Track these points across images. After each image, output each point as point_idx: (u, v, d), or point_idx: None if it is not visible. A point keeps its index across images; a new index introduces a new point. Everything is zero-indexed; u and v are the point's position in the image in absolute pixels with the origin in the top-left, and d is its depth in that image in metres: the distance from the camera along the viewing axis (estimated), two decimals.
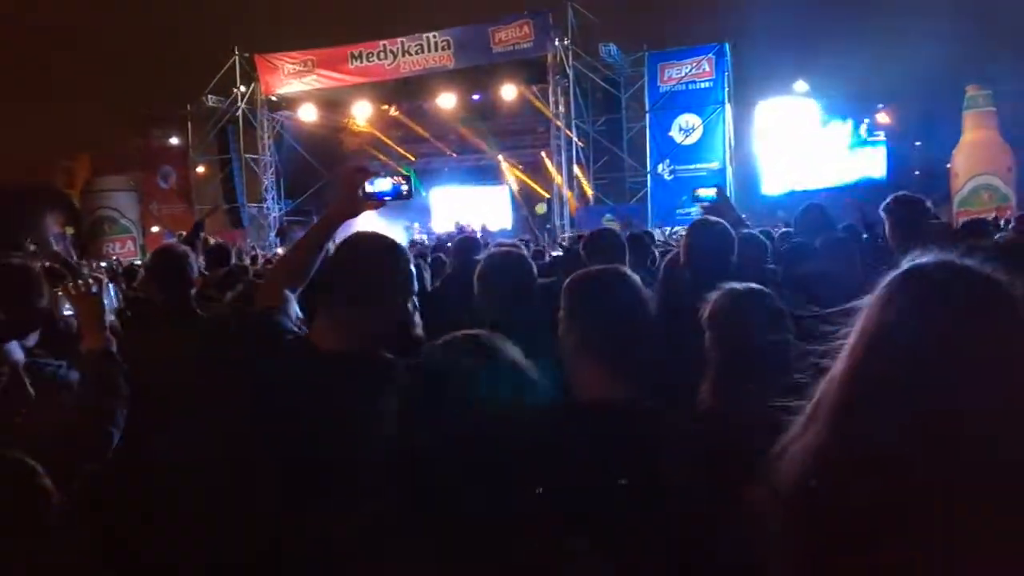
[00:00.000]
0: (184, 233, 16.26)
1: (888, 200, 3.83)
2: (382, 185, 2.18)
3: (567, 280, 1.92)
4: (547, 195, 20.99)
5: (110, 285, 2.21)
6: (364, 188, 2.15)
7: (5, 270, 2.44)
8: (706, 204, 4.10)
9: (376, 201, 2.18)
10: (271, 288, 2.15)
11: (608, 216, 19.28)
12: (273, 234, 21.51)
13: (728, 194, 17.84)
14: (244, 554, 1.78)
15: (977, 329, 0.93)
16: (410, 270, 2.00)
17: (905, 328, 0.95)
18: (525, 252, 3.73)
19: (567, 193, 19.28)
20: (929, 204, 4.04)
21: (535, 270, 3.09)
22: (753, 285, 1.97)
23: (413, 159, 23.44)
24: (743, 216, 4.51)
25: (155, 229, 23.61)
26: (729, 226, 3.33)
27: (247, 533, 1.78)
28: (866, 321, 1.00)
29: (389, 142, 23.18)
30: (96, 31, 25.62)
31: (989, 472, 0.88)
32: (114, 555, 2.01)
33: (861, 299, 1.06)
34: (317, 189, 23.58)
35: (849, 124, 19.83)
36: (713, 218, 3.44)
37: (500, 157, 22.80)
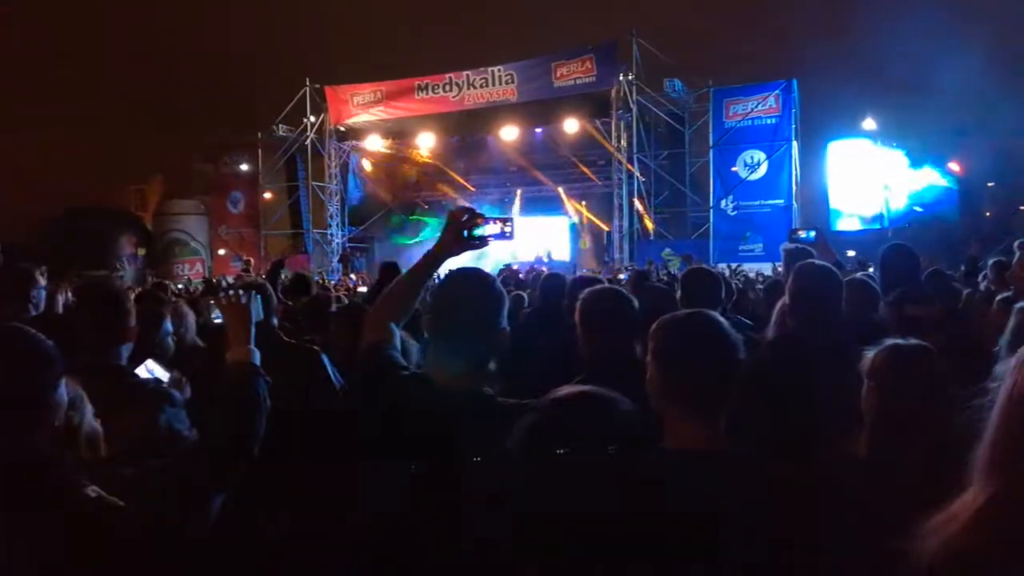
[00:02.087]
0: (249, 259, 16.70)
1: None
2: (489, 228, 2.24)
3: (655, 324, 1.91)
4: (607, 228, 21.00)
5: (257, 297, 2.26)
6: (470, 229, 2.20)
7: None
8: (802, 244, 4.04)
9: (480, 241, 2.24)
10: (377, 322, 2.20)
11: (668, 251, 19.17)
12: (336, 259, 21.97)
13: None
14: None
15: None
16: (506, 306, 2.04)
17: None
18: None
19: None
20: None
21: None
22: (919, 343, 1.95)
23: (473, 189, 23.72)
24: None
25: (222, 252, 24.35)
26: (835, 269, 3.27)
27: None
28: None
29: (452, 172, 23.52)
30: (175, 61, 26.75)
31: None
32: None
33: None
34: (379, 217, 24.09)
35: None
36: (819, 261, 3.38)
37: (560, 189, 22.91)
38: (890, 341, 1.97)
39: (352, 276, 16.83)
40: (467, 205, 2.37)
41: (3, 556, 1.44)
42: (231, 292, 2.21)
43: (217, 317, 2.22)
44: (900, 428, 1.83)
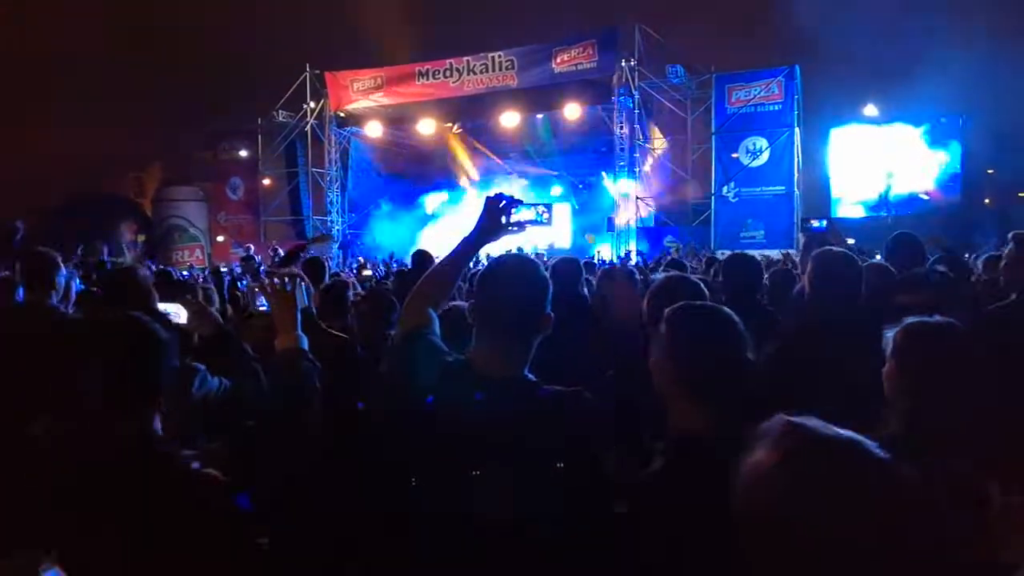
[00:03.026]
0: (249, 244, 16.67)
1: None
2: (525, 213, 2.24)
3: (666, 313, 1.93)
4: (608, 215, 20.97)
5: (302, 284, 2.26)
6: (508, 215, 2.20)
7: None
8: (816, 233, 4.04)
9: (517, 227, 2.24)
10: (415, 308, 2.20)
11: (670, 238, 19.17)
12: (336, 246, 21.93)
13: (795, 218, 17.63)
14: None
15: None
16: (550, 292, 2.04)
17: None
18: None
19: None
20: None
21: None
22: (944, 319, 1.96)
23: (476, 178, 23.67)
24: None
25: (220, 239, 24.30)
26: (854, 255, 3.29)
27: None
28: None
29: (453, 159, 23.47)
30: (175, 46, 26.59)
31: None
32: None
33: None
34: (380, 204, 24.05)
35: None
36: (837, 248, 3.39)
37: (561, 175, 22.86)
38: (912, 319, 1.97)
39: (360, 259, 16.88)
40: (502, 192, 2.36)
41: (114, 518, 1.54)
42: (276, 279, 2.21)
43: (261, 304, 2.22)
44: (932, 409, 1.83)
